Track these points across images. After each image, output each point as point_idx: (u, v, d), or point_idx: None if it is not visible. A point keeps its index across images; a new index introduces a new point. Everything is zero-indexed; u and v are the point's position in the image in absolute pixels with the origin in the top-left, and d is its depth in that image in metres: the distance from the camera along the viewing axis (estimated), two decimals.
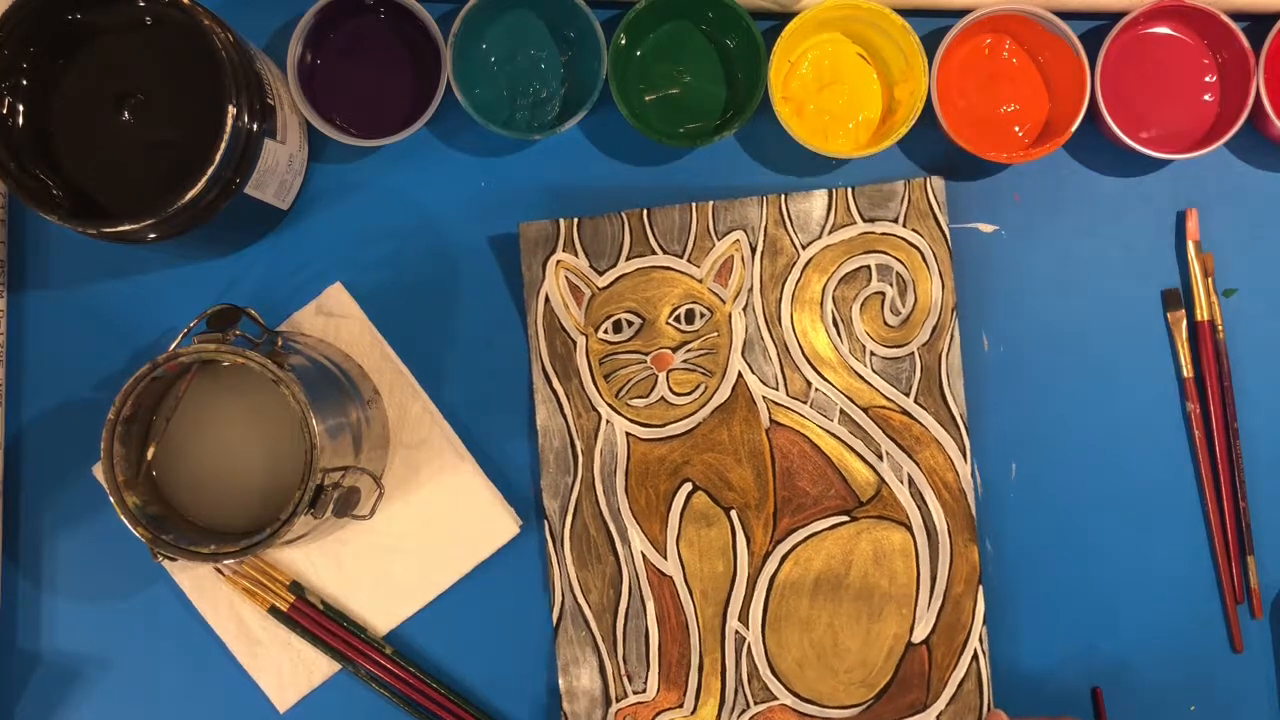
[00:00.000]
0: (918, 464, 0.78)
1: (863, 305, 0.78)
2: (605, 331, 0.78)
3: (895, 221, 0.78)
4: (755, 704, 0.78)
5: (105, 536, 0.79)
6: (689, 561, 0.78)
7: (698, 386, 0.78)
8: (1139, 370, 0.80)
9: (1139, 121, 0.79)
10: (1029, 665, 0.79)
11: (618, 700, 0.78)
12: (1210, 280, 0.79)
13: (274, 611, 0.78)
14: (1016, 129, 0.79)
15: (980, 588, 0.78)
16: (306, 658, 0.79)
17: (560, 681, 0.78)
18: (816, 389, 0.78)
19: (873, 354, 0.78)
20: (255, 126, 0.69)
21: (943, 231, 0.78)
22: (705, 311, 0.78)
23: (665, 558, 0.78)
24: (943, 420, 0.78)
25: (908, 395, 0.78)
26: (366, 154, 0.81)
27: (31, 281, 0.80)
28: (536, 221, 0.78)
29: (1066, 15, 0.79)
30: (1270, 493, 0.79)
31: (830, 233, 0.78)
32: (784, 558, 0.78)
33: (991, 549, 0.79)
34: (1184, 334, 0.79)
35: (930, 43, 0.79)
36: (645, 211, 0.78)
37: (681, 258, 0.78)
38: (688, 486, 0.78)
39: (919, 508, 0.78)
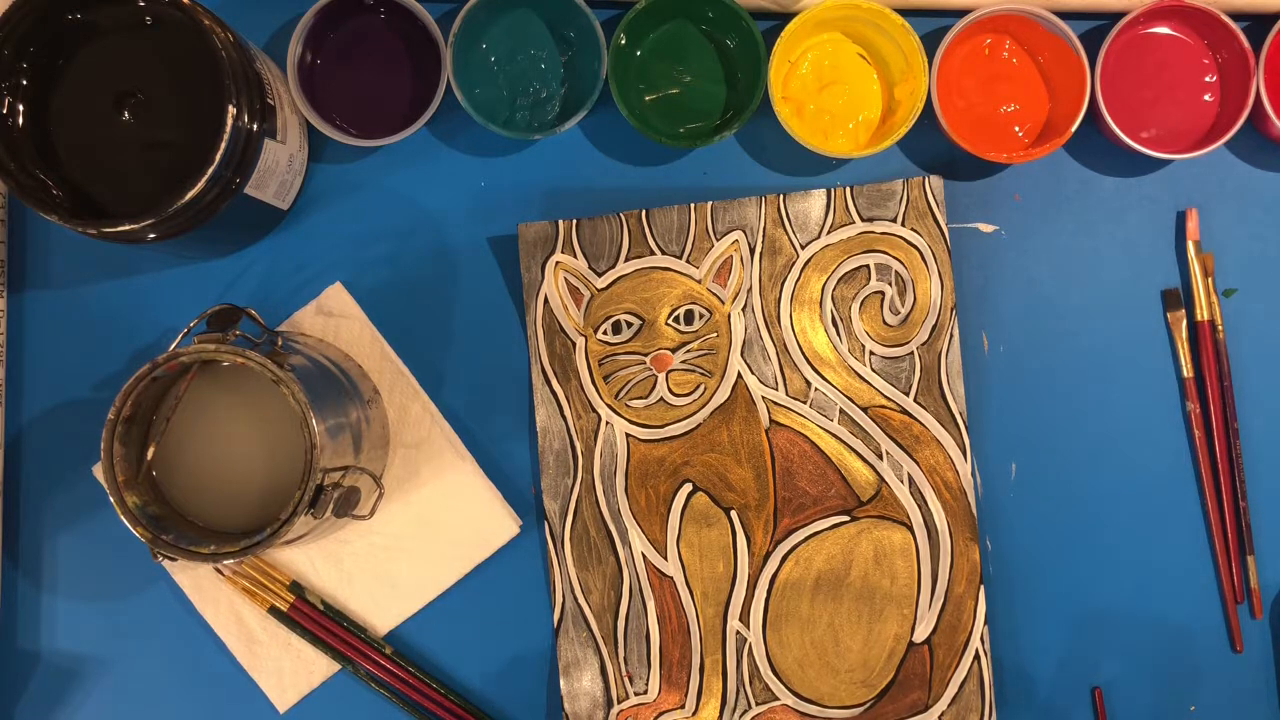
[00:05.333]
0: (918, 463, 0.78)
1: (862, 305, 0.78)
2: (604, 332, 0.78)
3: (894, 221, 0.78)
4: (756, 704, 0.78)
5: (105, 536, 0.79)
6: (689, 562, 0.78)
7: (697, 387, 0.78)
8: (1139, 370, 0.80)
9: (1139, 121, 0.79)
10: (1029, 665, 0.79)
11: (619, 701, 0.78)
12: (1210, 280, 0.79)
13: (274, 611, 0.78)
14: (1016, 129, 0.79)
15: (981, 587, 0.78)
16: (306, 658, 0.79)
17: (562, 683, 0.78)
18: (816, 389, 0.78)
19: (872, 353, 0.78)
20: (255, 126, 0.69)
21: (941, 231, 0.78)
22: (704, 312, 0.78)
23: (666, 558, 0.78)
24: (943, 419, 0.78)
25: (907, 394, 0.78)
26: (366, 154, 0.81)
27: (31, 281, 0.80)
28: (535, 223, 0.78)
29: (1066, 15, 0.79)
30: (1270, 493, 0.79)
31: (829, 232, 0.78)
32: (784, 558, 0.78)
33: (991, 549, 0.79)
34: (1184, 334, 0.79)
35: (930, 43, 0.79)
36: (644, 212, 0.78)
37: (680, 258, 0.78)
38: (688, 487, 0.78)
39: (919, 507, 0.78)
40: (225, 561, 0.70)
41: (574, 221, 0.78)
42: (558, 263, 0.78)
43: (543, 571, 0.80)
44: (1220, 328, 0.79)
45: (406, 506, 0.79)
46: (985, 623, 0.78)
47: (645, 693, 0.78)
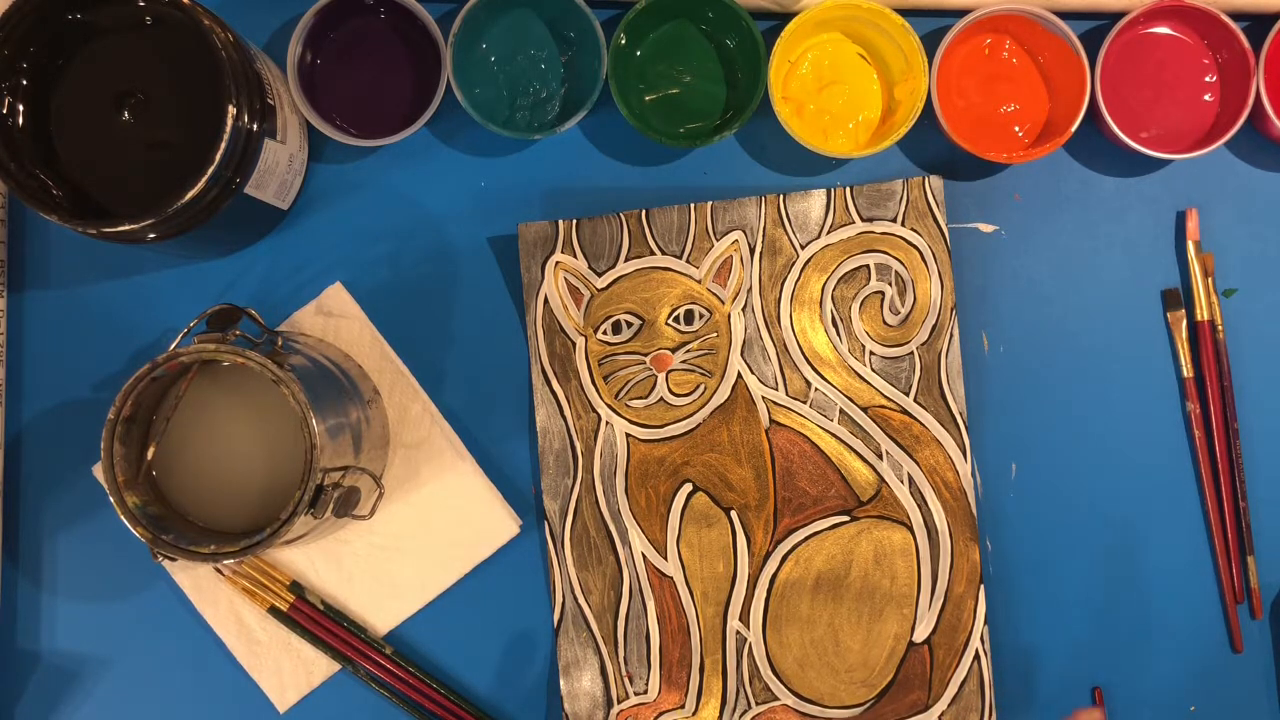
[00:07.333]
0: (918, 463, 0.78)
1: (862, 305, 0.78)
2: (604, 332, 0.78)
3: (894, 221, 0.78)
4: (756, 704, 0.78)
5: (105, 536, 0.79)
6: (689, 562, 0.78)
7: (697, 387, 0.78)
8: (1139, 370, 0.80)
9: (1139, 121, 0.79)
10: (1029, 665, 0.79)
11: (619, 701, 0.78)
12: (1210, 280, 0.79)
13: (274, 611, 0.78)
14: (1016, 129, 0.79)
15: (981, 587, 0.78)
16: (306, 658, 0.79)
17: (562, 683, 0.78)
18: (816, 389, 0.78)
19: (872, 353, 0.78)
20: (255, 126, 0.69)
21: (941, 231, 0.78)
22: (704, 312, 0.78)
23: (666, 558, 0.78)
24: (942, 419, 0.78)
25: (907, 394, 0.78)
26: (366, 154, 0.81)
27: (31, 281, 0.80)
28: (535, 222, 0.78)
29: (1066, 15, 0.79)
30: (1270, 493, 0.79)
31: (829, 232, 0.78)
32: (784, 558, 0.78)
33: (991, 549, 0.79)
34: (1184, 334, 0.79)
35: (930, 43, 0.79)
36: (644, 212, 0.78)
37: (680, 258, 0.78)
38: (688, 487, 0.78)
39: (919, 507, 0.78)
40: (225, 561, 0.70)
41: (574, 221, 0.78)
42: (558, 263, 0.78)
43: (543, 571, 0.80)
44: (1220, 328, 0.79)
45: (406, 506, 0.79)
46: (985, 623, 0.78)
47: (645, 693, 0.78)
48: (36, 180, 0.69)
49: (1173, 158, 0.76)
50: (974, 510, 0.78)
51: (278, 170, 0.74)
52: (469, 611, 0.80)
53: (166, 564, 0.79)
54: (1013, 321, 0.80)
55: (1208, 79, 0.79)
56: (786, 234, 0.78)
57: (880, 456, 0.78)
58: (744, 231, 0.78)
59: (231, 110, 0.67)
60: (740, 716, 0.78)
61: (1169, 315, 0.80)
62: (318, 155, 0.80)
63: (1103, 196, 0.81)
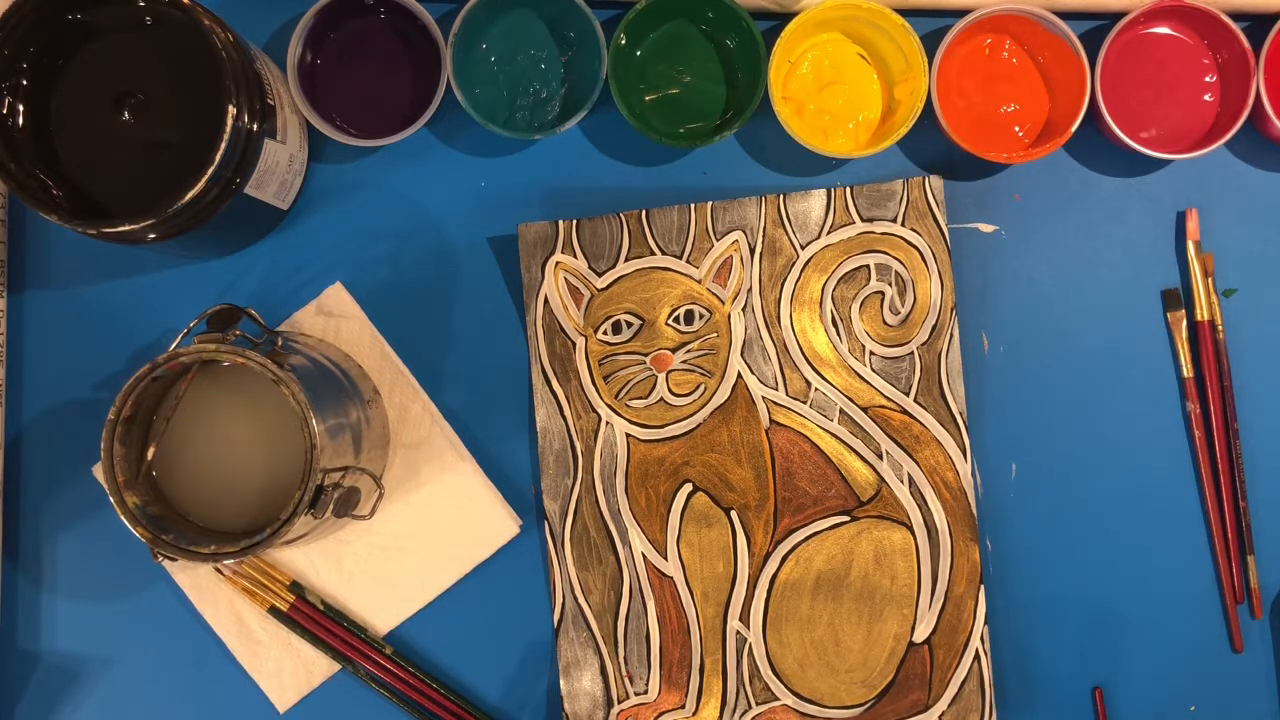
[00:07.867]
0: (918, 463, 0.78)
1: (862, 305, 0.78)
2: (604, 332, 0.78)
3: (894, 221, 0.78)
4: (757, 704, 0.78)
5: (105, 536, 0.79)
6: (689, 562, 0.78)
7: (697, 387, 0.78)
8: (1139, 370, 0.80)
9: (1139, 121, 0.79)
10: (1029, 665, 0.79)
11: (619, 701, 0.78)
12: (1210, 280, 0.79)
13: (274, 611, 0.78)
14: (1016, 129, 0.79)
15: (981, 587, 0.78)
16: (306, 658, 0.79)
17: (562, 683, 0.78)
18: (816, 389, 0.78)
19: (872, 354, 0.78)
20: (255, 126, 0.69)
21: (941, 231, 0.78)
22: (704, 312, 0.78)
23: (666, 558, 0.78)
24: (943, 419, 0.78)
25: (907, 395, 0.78)
26: (366, 154, 0.81)
27: (31, 281, 0.80)
28: (535, 223, 0.78)
29: (1066, 15, 0.79)
30: (1270, 493, 0.79)
31: (829, 232, 0.78)
32: (784, 558, 0.78)
33: (991, 549, 0.79)
34: (1184, 334, 0.79)
35: (930, 43, 0.79)
36: (644, 212, 0.78)
37: (680, 258, 0.78)
38: (688, 487, 0.78)
39: (919, 507, 0.78)
40: (225, 561, 0.70)
41: (574, 221, 0.78)
42: (558, 263, 0.78)
43: (543, 571, 0.80)
44: (1220, 328, 0.79)
45: (406, 506, 0.79)
46: (985, 623, 0.78)
47: (645, 693, 0.78)
48: (36, 180, 0.69)
49: (1173, 158, 0.76)
50: (974, 510, 0.78)
51: (278, 170, 0.74)
52: (469, 611, 0.80)
53: (166, 564, 0.79)
54: (1013, 321, 0.80)
55: (1208, 79, 0.79)
56: (786, 234, 0.78)
57: (880, 456, 0.78)
58: (744, 231, 0.78)
59: (231, 110, 0.67)
60: (740, 716, 0.78)
61: (1169, 315, 0.80)
62: (318, 155, 0.80)
63: (1103, 196, 0.81)
